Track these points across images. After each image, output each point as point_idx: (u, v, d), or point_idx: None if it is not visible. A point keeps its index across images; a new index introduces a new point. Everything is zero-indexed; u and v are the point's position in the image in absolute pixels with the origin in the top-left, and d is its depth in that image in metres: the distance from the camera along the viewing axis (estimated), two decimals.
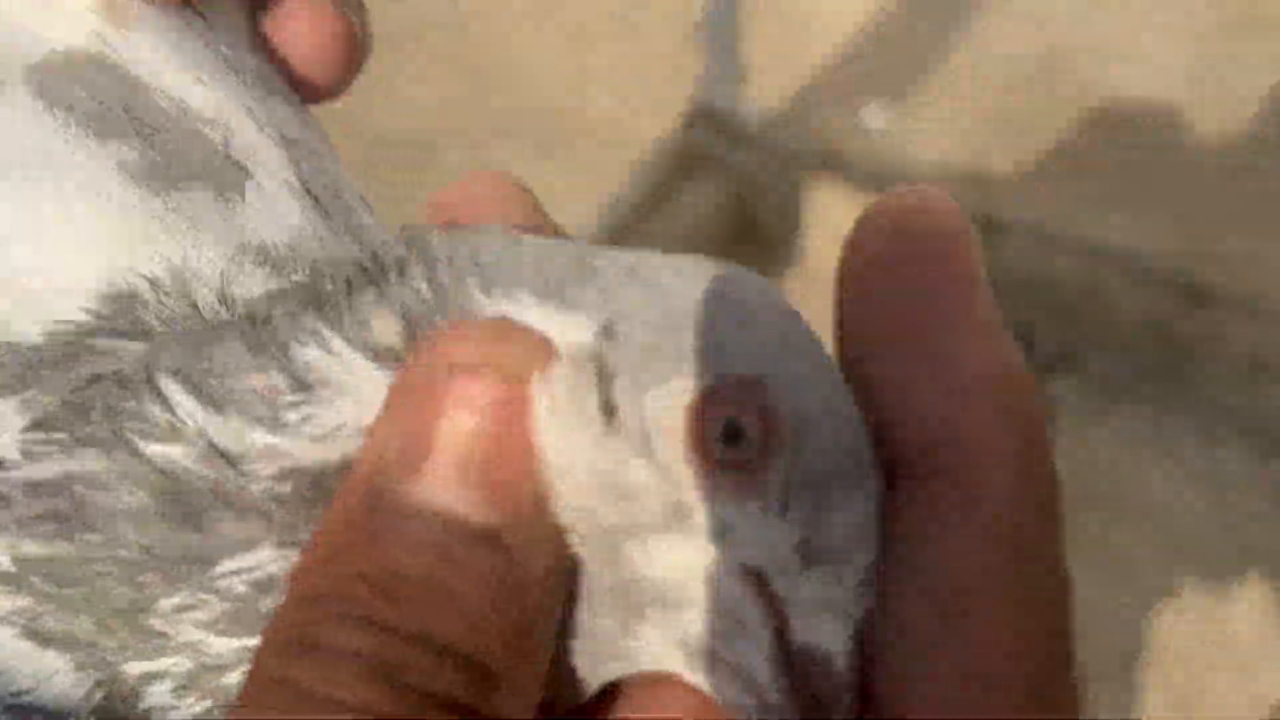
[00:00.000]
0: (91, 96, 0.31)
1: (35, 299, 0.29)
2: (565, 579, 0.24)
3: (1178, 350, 1.60)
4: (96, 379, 0.28)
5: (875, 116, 1.72)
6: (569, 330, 0.26)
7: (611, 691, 0.26)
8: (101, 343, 0.29)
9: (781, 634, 0.25)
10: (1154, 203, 1.65)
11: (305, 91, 0.36)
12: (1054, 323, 1.64)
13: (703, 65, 1.72)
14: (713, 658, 0.25)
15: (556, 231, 0.31)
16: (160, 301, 0.29)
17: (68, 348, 0.29)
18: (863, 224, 0.26)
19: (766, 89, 1.74)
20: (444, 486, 0.22)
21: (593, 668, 0.26)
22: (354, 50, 0.35)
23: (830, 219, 1.71)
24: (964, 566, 0.23)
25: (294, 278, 0.29)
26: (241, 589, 0.26)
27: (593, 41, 1.96)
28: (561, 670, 0.25)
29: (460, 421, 0.23)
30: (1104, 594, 1.46)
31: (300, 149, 0.33)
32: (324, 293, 0.28)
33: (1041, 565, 0.23)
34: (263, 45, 0.35)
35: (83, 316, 0.29)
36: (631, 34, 1.95)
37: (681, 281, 0.27)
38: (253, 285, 0.31)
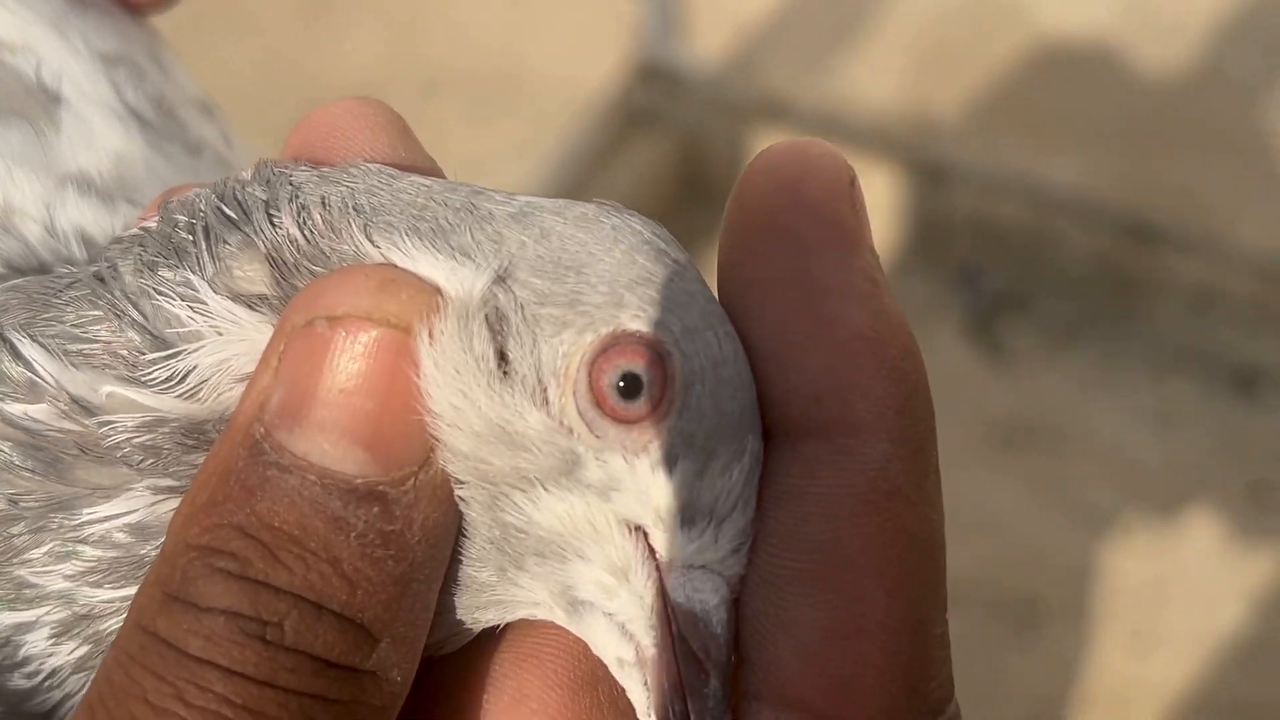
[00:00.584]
0: None
1: None
2: (450, 532, 0.24)
3: (1126, 289, 1.61)
4: None
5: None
6: (458, 278, 0.25)
7: (490, 635, 0.26)
8: None
9: (662, 590, 0.25)
10: (1098, 142, 1.66)
11: (137, 4, 0.35)
12: (1002, 265, 1.64)
13: (642, 19, 1.70)
14: (593, 610, 0.25)
15: (431, 165, 0.30)
16: None
17: None
18: (746, 179, 0.26)
19: (708, 41, 1.72)
20: (325, 440, 0.22)
21: (471, 615, 0.26)
22: None
23: None
24: (835, 522, 0.23)
25: (142, 222, 0.28)
26: (118, 536, 0.25)
27: None
28: (441, 617, 0.25)
29: (343, 373, 0.22)
30: (1057, 532, 1.48)
31: (122, 67, 0.32)
32: (180, 241, 0.27)
33: (913, 518, 0.24)
34: None
35: None
36: None
37: (573, 228, 0.27)
38: (79, 215, 0.30)
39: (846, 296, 0.24)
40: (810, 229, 0.25)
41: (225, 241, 0.26)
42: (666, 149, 1.72)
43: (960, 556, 1.49)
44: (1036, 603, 1.45)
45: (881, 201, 1.67)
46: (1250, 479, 1.51)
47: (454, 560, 0.25)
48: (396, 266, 0.25)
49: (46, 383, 0.26)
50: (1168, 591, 1.44)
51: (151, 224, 0.28)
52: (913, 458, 0.24)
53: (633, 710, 0.26)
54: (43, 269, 0.31)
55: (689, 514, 0.25)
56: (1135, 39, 1.67)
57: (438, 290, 0.25)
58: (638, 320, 0.25)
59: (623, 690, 0.26)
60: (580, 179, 1.67)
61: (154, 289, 0.26)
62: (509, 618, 0.26)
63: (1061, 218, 1.60)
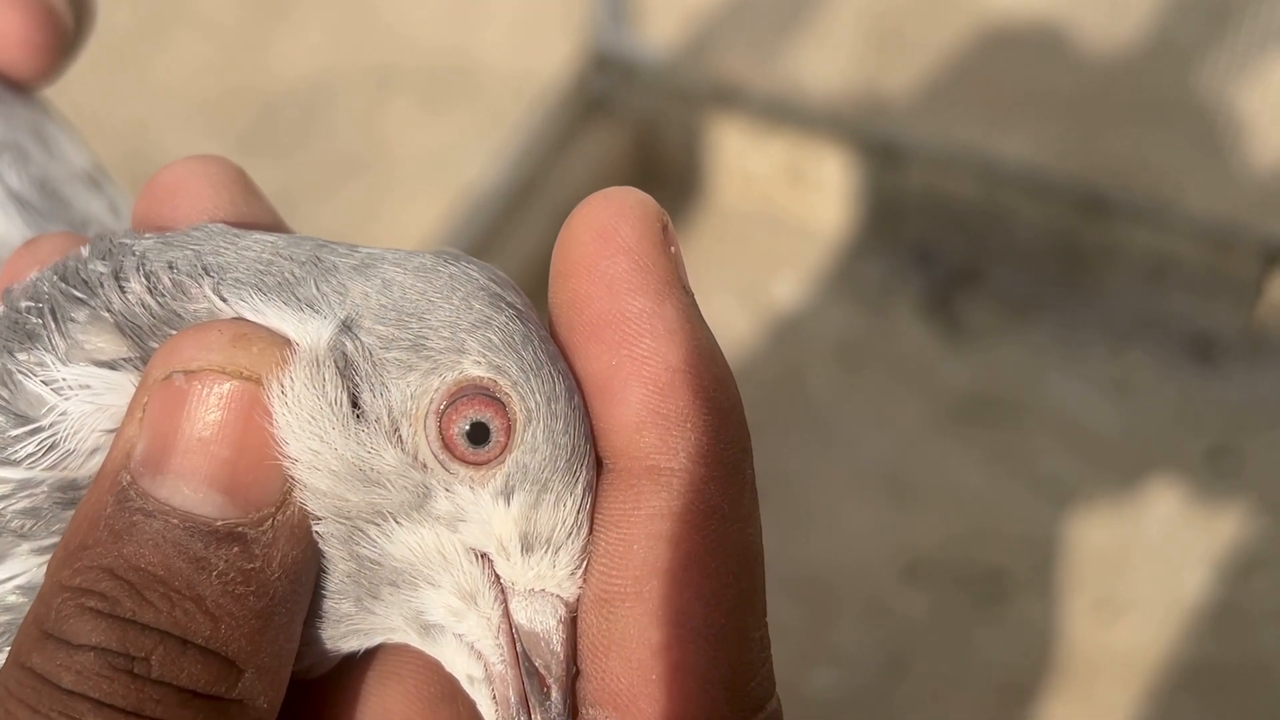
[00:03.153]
0: None
1: None
2: (309, 567, 0.26)
3: (1079, 261, 1.62)
4: None
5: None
6: (307, 329, 0.27)
7: (352, 661, 0.28)
8: None
9: (506, 613, 0.28)
10: (1047, 117, 1.67)
11: (12, 78, 0.36)
12: (956, 241, 1.65)
13: (593, 7, 1.70)
14: (444, 632, 0.28)
15: (274, 218, 0.32)
16: None
17: None
18: (567, 228, 0.28)
19: (659, 28, 1.72)
20: (186, 486, 0.23)
21: (335, 644, 0.28)
22: (57, 37, 0.34)
23: (733, 153, 1.71)
24: (657, 542, 0.26)
25: None
26: (11, 599, 0.27)
27: None
28: (307, 647, 0.27)
29: (200, 423, 0.24)
30: (1019, 504, 1.49)
31: (5, 153, 0.34)
32: (30, 325, 0.28)
33: (729, 534, 0.26)
34: None
35: None
36: None
37: (413, 278, 0.29)
38: None
39: (660, 334, 0.26)
40: (626, 273, 0.27)
41: (72, 319, 0.28)
42: (621, 137, 1.72)
43: (924, 531, 1.51)
44: (1002, 575, 1.46)
45: (835, 183, 1.68)
46: (1209, 445, 1.53)
47: (316, 594, 0.27)
48: (247, 320, 0.27)
49: None
50: (1131, 559, 1.46)
51: None
52: (728, 479, 0.27)
53: None
54: None
55: (528, 542, 0.27)
56: (1080, 14, 1.69)
57: (288, 341, 0.27)
58: (479, 366, 0.28)
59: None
60: (536, 168, 1.67)
61: (11, 370, 0.28)
62: (369, 643, 0.28)
63: (1013, 193, 1.61)
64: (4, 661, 0.24)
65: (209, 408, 0.24)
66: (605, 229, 0.27)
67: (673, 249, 0.27)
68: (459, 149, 1.73)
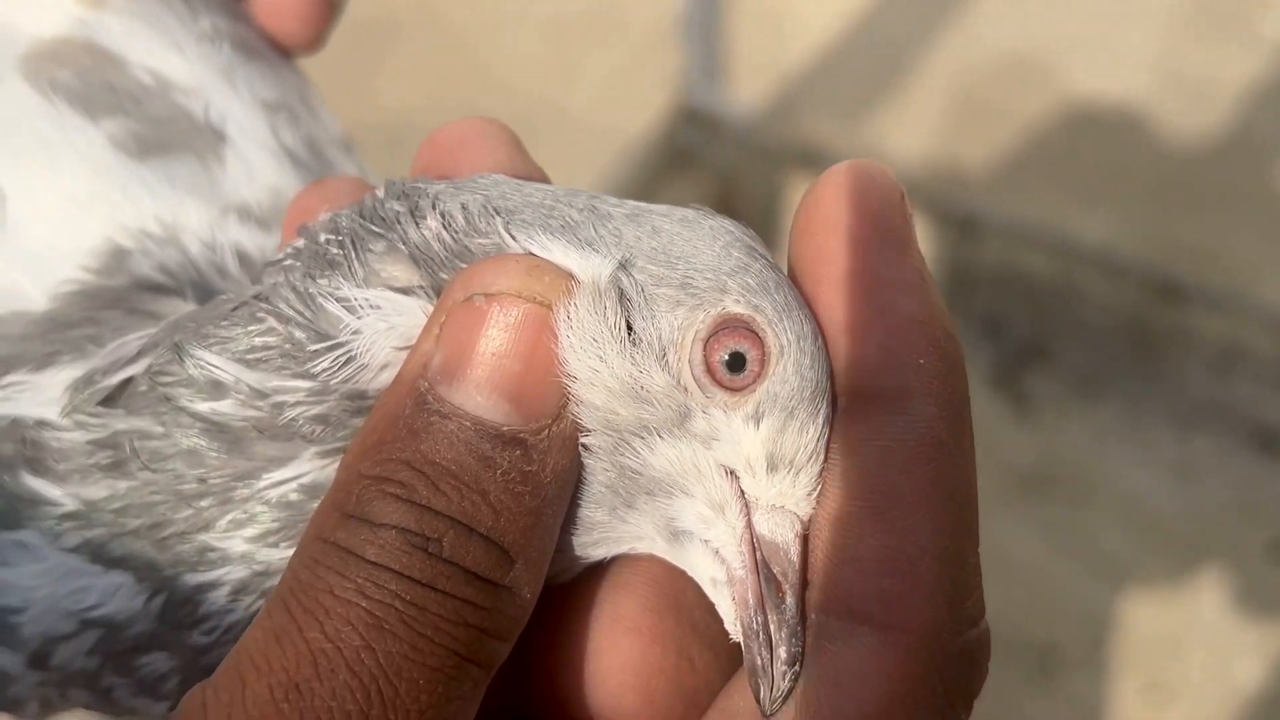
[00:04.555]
0: (78, 78, 0.35)
1: (38, 262, 0.33)
2: (573, 476, 0.29)
3: (1149, 344, 1.63)
4: (139, 355, 0.32)
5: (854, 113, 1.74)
6: (590, 264, 0.31)
7: (594, 569, 0.32)
8: (107, 303, 0.34)
9: (749, 524, 0.31)
10: (1125, 199, 1.68)
11: (284, 45, 0.39)
12: (1029, 316, 1.67)
13: (684, 63, 1.73)
14: (692, 538, 0.31)
15: (543, 175, 0.36)
16: (151, 251, 0.32)
17: (75, 308, 0.33)
18: (815, 190, 0.31)
19: (747, 86, 1.75)
20: (479, 394, 0.26)
21: (585, 550, 0.31)
22: (328, 10, 0.38)
23: None
24: (891, 470, 0.28)
25: (287, 246, 0.33)
26: (292, 497, 0.30)
27: (573, 38, 1.97)
28: (560, 553, 0.30)
29: (496, 340, 0.27)
30: (1075, 580, 1.49)
31: (278, 112, 0.37)
32: (331, 256, 0.31)
33: (954, 468, 0.29)
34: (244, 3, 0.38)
35: (82, 274, 0.33)
36: (612, 31, 1.96)
37: (679, 227, 0.32)
38: (239, 237, 0.34)
39: (900, 288, 0.30)
40: (870, 233, 0.30)
41: (370, 249, 0.31)
42: (704, 190, 1.75)
43: None
44: (1055, 650, 1.47)
45: None
46: (1269, 536, 1.52)
47: (572, 504, 0.30)
48: (537, 256, 0.30)
49: (228, 382, 0.31)
50: (1184, 644, 1.45)
51: (300, 244, 0.32)
52: (954, 417, 0.29)
53: (708, 630, 0.31)
54: (199, 278, 0.34)
55: (772, 463, 0.31)
56: (1163, 100, 1.70)
57: (572, 276, 0.30)
58: (739, 304, 0.31)
59: (703, 614, 0.31)
60: None
61: (313, 294, 0.31)
62: (616, 551, 0.32)
63: (1087, 271, 1.62)
64: (303, 540, 0.27)
65: (504, 327, 0.27)
66: (853, 193, 0.30)
67: (910, 214, 0.30)
68: None
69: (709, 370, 0.30)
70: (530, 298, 0.28)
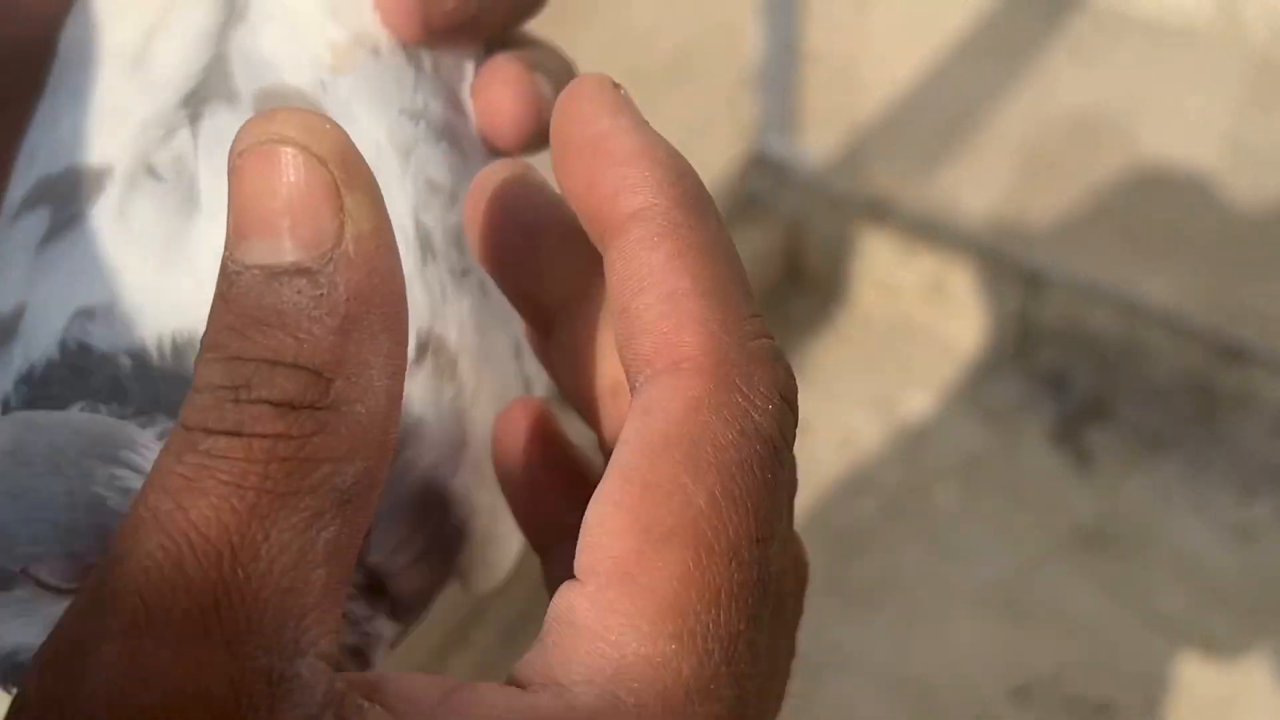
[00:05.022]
0: None
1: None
2: (384, 286, 0.28)
3: (1212, 404, 1.63)
4: None
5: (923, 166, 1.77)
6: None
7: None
8: None
9: None
10: (1190, 261, 1.69)
11: (495, 145, 0.41)
12: (1091, 373, 1.68)
13: (757, 113, 1.77)
14: None
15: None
16: None
17: None
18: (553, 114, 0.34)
19: (818, 137, 1.78)
20: (257, 241, 0.27)
21: None
22: (537, 121, 0.40)
23: (877, 264, 1.75)
24: (640, 255, 0.31)
25: None
26: None
27: (652, 87, 2.01)
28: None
29: (249, 189, 0.27)
30: (1132, 639, 1.49)
31: (438, 193, 0.37)
32: None
33: (694, 231, 0.31)
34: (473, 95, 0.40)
35: None
36: (689, 81, 2.00)
37: None
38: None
39: (617, 132, 0.32)
40: (591, 108, 0.32)
41: None
42: (771, 236, 1.77)
43: (1035, 655, 1.51)
44: (1110, 708, 1.46)
45: (975, 303, 1.72)
46: None
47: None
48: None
49: None
50: (1240, 707, 1.45)
51: None
52: (688, 207, 0.31)
53: None
54: None
55: None
56: (1230, 167, 1.72)
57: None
58: None
59: None
60: None
61: None
62: None
63: (1151, 330, 1.64)
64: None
65: (253, 174, 0.27)
66: (569, 93, 0.33)
67: (623, 91, 0.33)
68: None
69: None
70: (267, 139, 0.27)
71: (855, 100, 1.78)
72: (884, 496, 1.61)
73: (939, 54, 1.88)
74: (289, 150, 0.26)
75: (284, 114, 0.27)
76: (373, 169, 0.35)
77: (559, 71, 0.41)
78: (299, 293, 0.26)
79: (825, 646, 1.50)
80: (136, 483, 0.29)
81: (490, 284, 0.37)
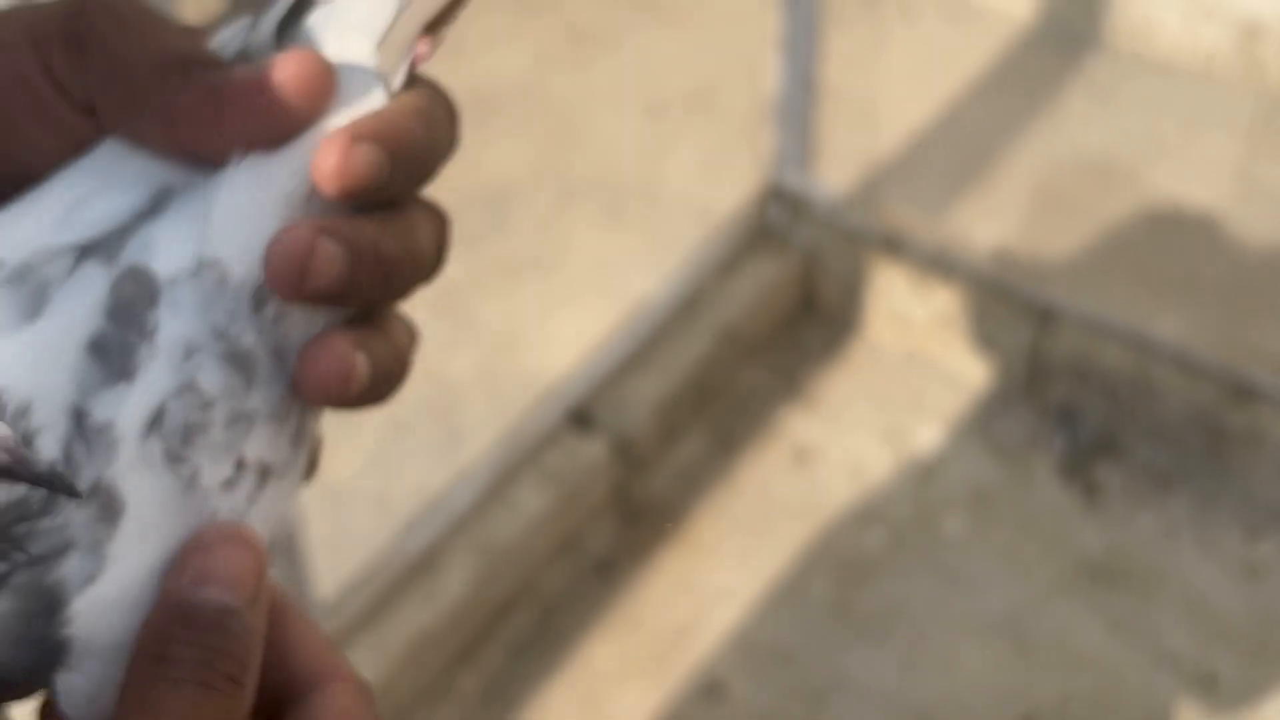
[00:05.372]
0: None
1: None
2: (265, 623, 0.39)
3: (1221, 442, 1.64)
4: None
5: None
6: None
7: None
8: None
9: None
10: (1201, 300, 1.70)
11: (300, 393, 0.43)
12: (1101, 407, 1.69)
13: (775, 146, 1.79)
14: None
15: None
16: None
17: None
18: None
19: (835, 171, 1.80)
20: (217, 591, 0.38)
21: None
22: (353, 392, 0.42)
23: (891, 297, 1.77)
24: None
25: None
26: None
27: (671, 119, 2.04)
28: None
29: (221, 560, 0.38)
30: (1138, 675, 1.49)
31: (194, 394, 0.40)
32: None
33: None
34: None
35: None
36: (708, 114, 2.03)
37: None
38: None
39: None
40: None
41: None
42: (787, 267, 1.80)
43: (1041, 687, 1.52)
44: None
45: (987, 337, 1.73)
46: None
47: None
48: None
49: None
50: None
51: None
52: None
53: None
54: None
55: None
56: (1241, 207, 1.73)
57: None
58: None
59: None
60: (703, 287, 1.75)
61: None
62: None
63: (1162, 367, 1.65)
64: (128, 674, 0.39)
65: (226, 560, 0.40)
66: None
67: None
68: (632, 262, 1.82)
69: None
70: (235, 536, 0.39)
71: (871, 136, 1.80)
72: (893, 527, 1.63)
73: (954, 92, 1.90)
74: (250, 546, 0.39)
75: (245, 527, 0.39)
76: (153, 346, 0.39)
77: (384, 359, 0.43)
78: (237, 622, 0.38)
79: (832, 673, 1.51)
80: None
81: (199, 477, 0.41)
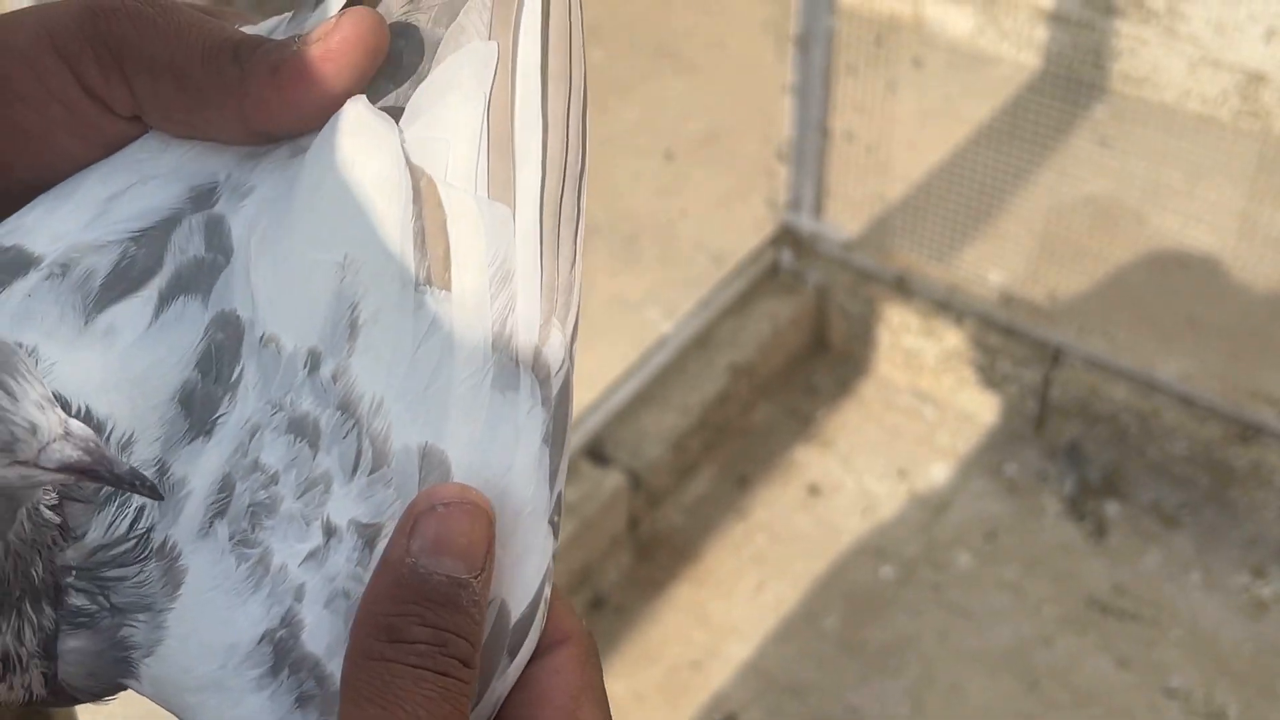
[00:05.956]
0: None
1: None
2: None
3: (1229, 481, 1.66)
4: None
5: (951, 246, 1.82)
6: None
7: None
8: None
9: None
10: (1207, 341, 1.72)
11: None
12: (1109, 446, 1.71)
13: (787, 188, 1.82)
14: None
15: None
16: None
17: None
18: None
19: (846, 214, 1.84)
20: (449, 560, 0.37)
21: None
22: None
23: (901, 337, 1.80)
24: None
25: None
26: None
27: (688, 164, 2.08)
28: None
29: (452, 528, 0.38)
30: (1145, 710, 1.50)
31: (261, 473, 0.39)
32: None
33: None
34: None
35: None
36: (724, 159, 2.07)
37: None
38: None
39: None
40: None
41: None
42: (798, 306, 1.82)
43: None
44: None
45: (996, 376, 1.76)
46: None
47: None
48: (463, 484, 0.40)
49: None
50: None
51: None
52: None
53: None
54: None
55: None
56: (1244, 251, 1.75)
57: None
58: None
59: None
60: (715, 324, 1.78)
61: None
62: None
63: (1169, 407, 1.66)
64: (349, 658, 0.37)
65: (460, 519, 0.38)
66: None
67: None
68: (647, 301, 1.85)
69: None
70: (466, 500, 0.38)
71: (882, 179, 1.83)
72: (903, 563, 1.65)
73: (964, 137, 1.94)
74: (470, 508, 0.38)
75: (474, 490, 0.39)
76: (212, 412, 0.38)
77: None
78: (466, 595, 0.37)
79: (843, 706, 1.53)
80: None
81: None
